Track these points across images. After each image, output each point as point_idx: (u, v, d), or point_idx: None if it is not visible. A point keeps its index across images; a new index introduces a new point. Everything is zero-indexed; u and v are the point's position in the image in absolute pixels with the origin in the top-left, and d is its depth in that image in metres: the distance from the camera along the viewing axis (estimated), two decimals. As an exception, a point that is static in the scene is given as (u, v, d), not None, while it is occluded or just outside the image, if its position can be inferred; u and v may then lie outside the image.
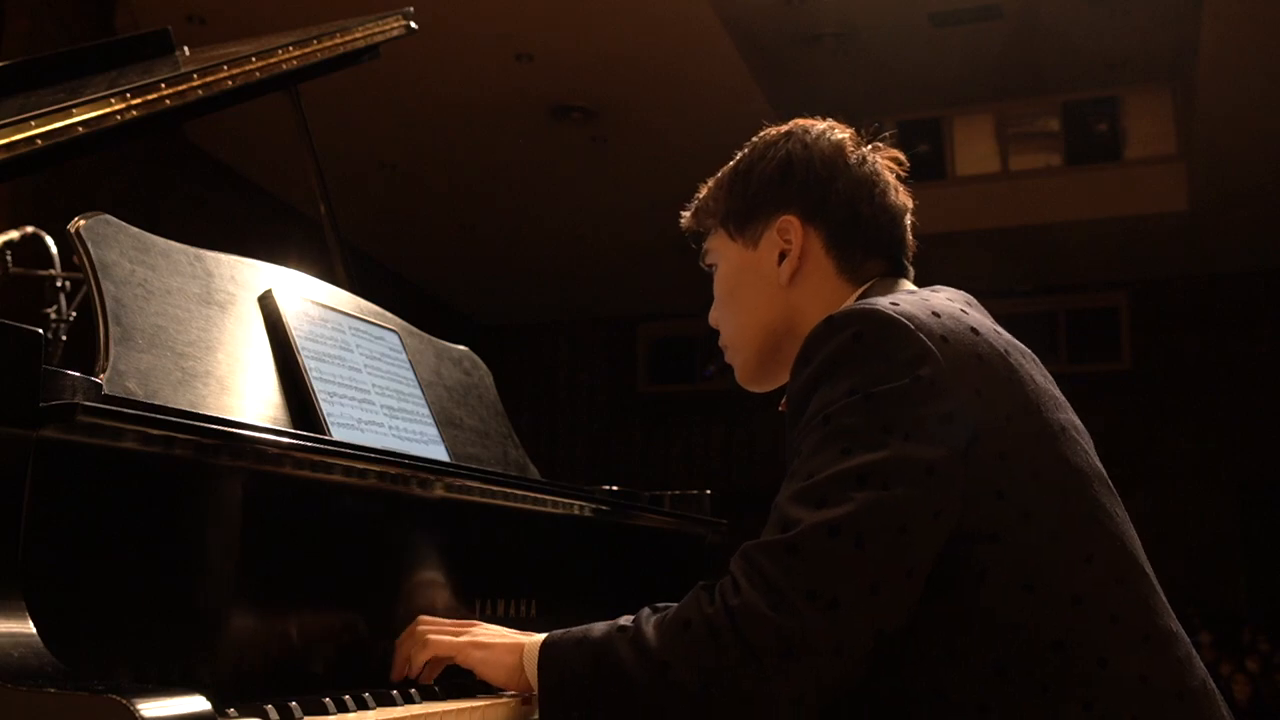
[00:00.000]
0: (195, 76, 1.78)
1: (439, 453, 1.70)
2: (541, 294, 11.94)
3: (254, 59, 1.93)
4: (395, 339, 1.78)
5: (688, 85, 8.05)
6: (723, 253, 1.49)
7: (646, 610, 1.21)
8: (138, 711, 0.79)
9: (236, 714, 1.02)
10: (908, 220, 1.45)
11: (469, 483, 1.49)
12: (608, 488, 2.04)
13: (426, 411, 1.74)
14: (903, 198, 1.45)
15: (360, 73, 2.45)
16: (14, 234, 2.37)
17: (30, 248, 2.40)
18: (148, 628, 1.04)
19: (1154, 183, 9.56)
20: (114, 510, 1.03)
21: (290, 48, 2.03)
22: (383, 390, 1.65)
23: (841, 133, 1.45)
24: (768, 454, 11.73)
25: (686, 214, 1.55)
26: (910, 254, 1.45)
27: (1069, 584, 1.16)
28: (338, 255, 2.15)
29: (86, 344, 1.32)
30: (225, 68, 1.85)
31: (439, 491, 1.43)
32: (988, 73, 8.94)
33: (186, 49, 2.30)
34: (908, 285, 1.39)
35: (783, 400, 1.34)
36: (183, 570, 1.09)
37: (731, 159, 1.52)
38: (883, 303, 1.23)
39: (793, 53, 8.27)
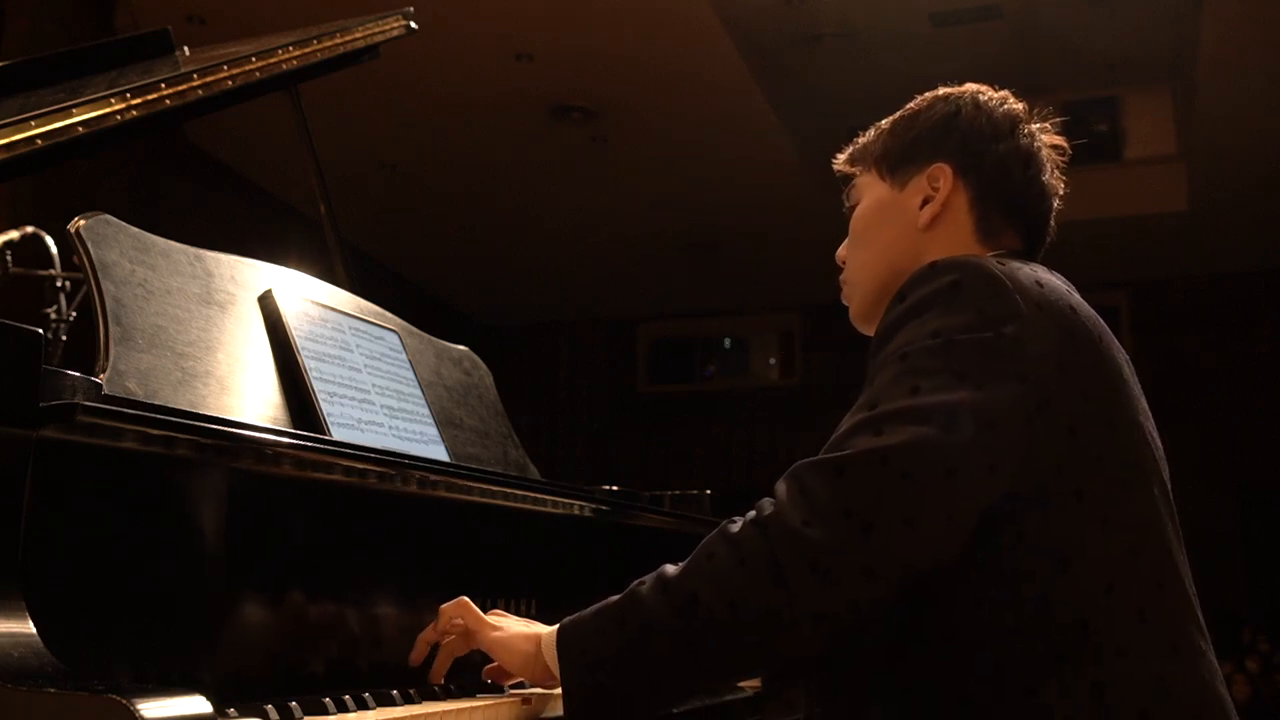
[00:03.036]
0: (195, 76, 1.78)
1: (439, 453, 1.70)
2: (541, 294, 11.93)
3: (254, 59, 1.93)
4: (395, 339, 1.78)
5: (688, 85, 8.04)
6: (868, 190, 1.48)
7: (665, 565, 1.21)
8: (138, 711, 0.79)
9: (236, 714, 1.02)
10: (1055, 204, 1.44)
11: (469, 483, 1.49)
12: (608, 488, 2.04)
13: (426, 411, 1.74)
14: (1055, 181, 1.44)
15: (360, 73, 2.45)
16: (14, 234, 2.37)
17: (30, 248, 2.40)
18: (148, 628, 1.04)
19: (1154, 183, 9.55)
20: (114, 510, 1.03)
21: (290, 48, 2.04)
22: (383, 390, 1.65)
23: (1016, 105, 1.45)
24: (768, 454, 11.73)
25: (841, 156, 1.55)
26: (1049, 239, 1.45)
27: (1105, 571, 1.16)
28: (338, 255, 2.15)
29: (86, 344, 1.32)
30: (225, 68, 1.85)
31: (439, 491, 1.43)
32: (987, 73, 8.90)
33: (186, 49, 2.30)
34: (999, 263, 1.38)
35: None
36: (183, 570, 1.09)
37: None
38: (989, 259, 1.25)
39: (793, 53, 8.26)
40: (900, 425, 1.13)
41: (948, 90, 1.48)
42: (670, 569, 1.19)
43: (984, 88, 1.47)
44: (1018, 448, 1.15)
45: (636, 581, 1.20)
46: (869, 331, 1.45)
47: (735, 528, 1.17)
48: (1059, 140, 1.45)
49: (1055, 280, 1.29)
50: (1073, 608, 1.15)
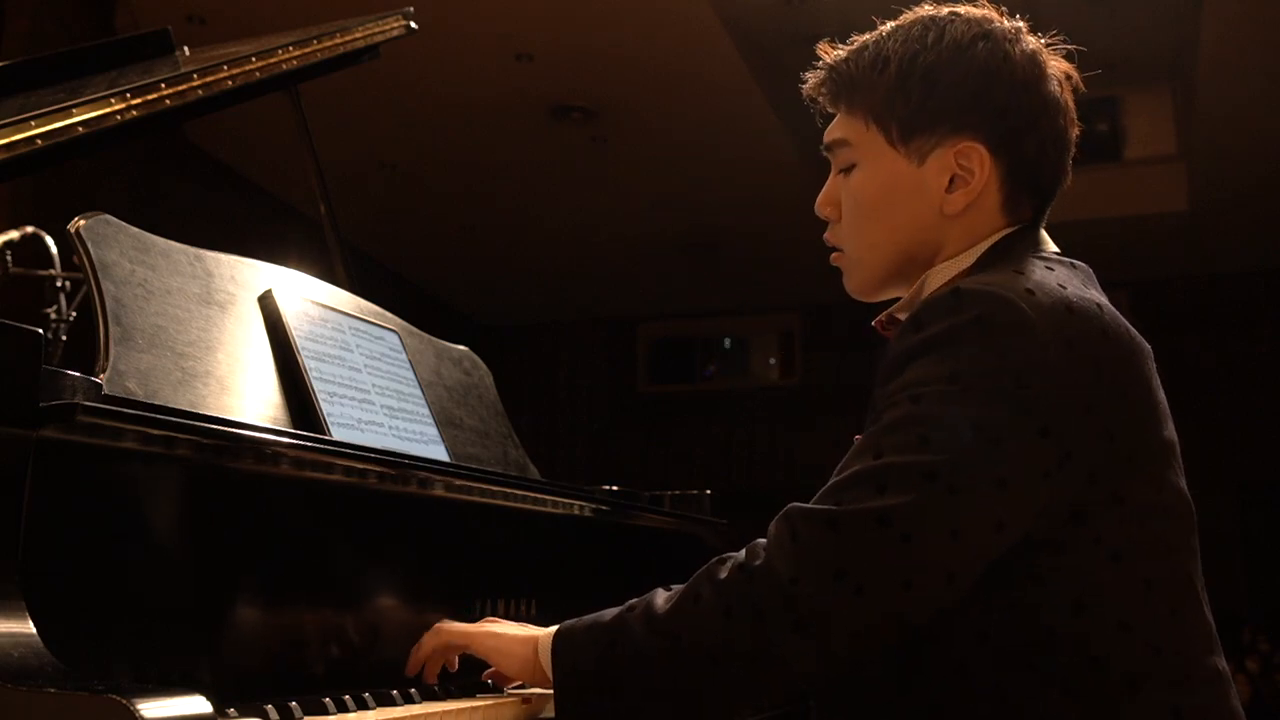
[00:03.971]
0: (195, 76, 1.78)
1: (439, 453, 1.70)
2: (541, 294, 11.93)
3: (254, 59, 1.93)
4: (395, 339, 1.78)
5: (688, 85, 8.04)
6: (871, 156, 1.29)
7: (658, 590, 1.19)
8: (138, 711, 0.79)
9: (236, 714, 1.02)
10: (1070, 158, 1.31)
11: (469, 483, 1.48)
12: (608, 488, 2.04)
13: (426, 411, 1.74)
14: (1075, 129, 1.30)
15: (360, 73, 2.45)
16: (14, 234, 2.38)
17: (30, 248, 2.40)
18: (148, 628, 1.04)
19: (1154, 183, 9.55)
20: (114, 510, 1.03)
21: (290, 48, 2.04)
22: (383, 390, 1.65)
23: (1033, 41, 1.28)
24: (768, 454, 11.73)
25: (816, 79, 1.35)
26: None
27: (1120, 609, 1.12)
28: (338, 255, 2.15)
29: (86, 344, 1.32)
30: (225, 68, 1.85)
31: (439, 491, 1.43)
32: (988, 73, 8.91)
33: (186, 49, 2.30)
34: (1050, 245, 1.30)
35: (877, 318, 1.31)
36: (183, 570, 1.09)
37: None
38: (1018, 288, 1.13)
39: (793, 53, 8.25)
40: (905, 483, 1.07)
41: (964, 30, 1.26)
42: (660, 600, 1.16)
43: (1003, 22, 1.28)
44: (1032, 505, 1.10)
45: (629, 605, 1.19)
46: (869, 300, 1.37)
47: (724, 573, 1.12)
48: (1066, 66, 1.31)
49: (1082, 293, 1.18)
50: (1085, 644, 1.11)
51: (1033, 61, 1.27)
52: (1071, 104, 1.30)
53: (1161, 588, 1.15)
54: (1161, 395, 1.23)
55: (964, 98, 1.25)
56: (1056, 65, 1.30)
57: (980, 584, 1.11)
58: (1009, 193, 1.27)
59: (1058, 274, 1.20)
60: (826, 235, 1.37)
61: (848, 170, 1.33)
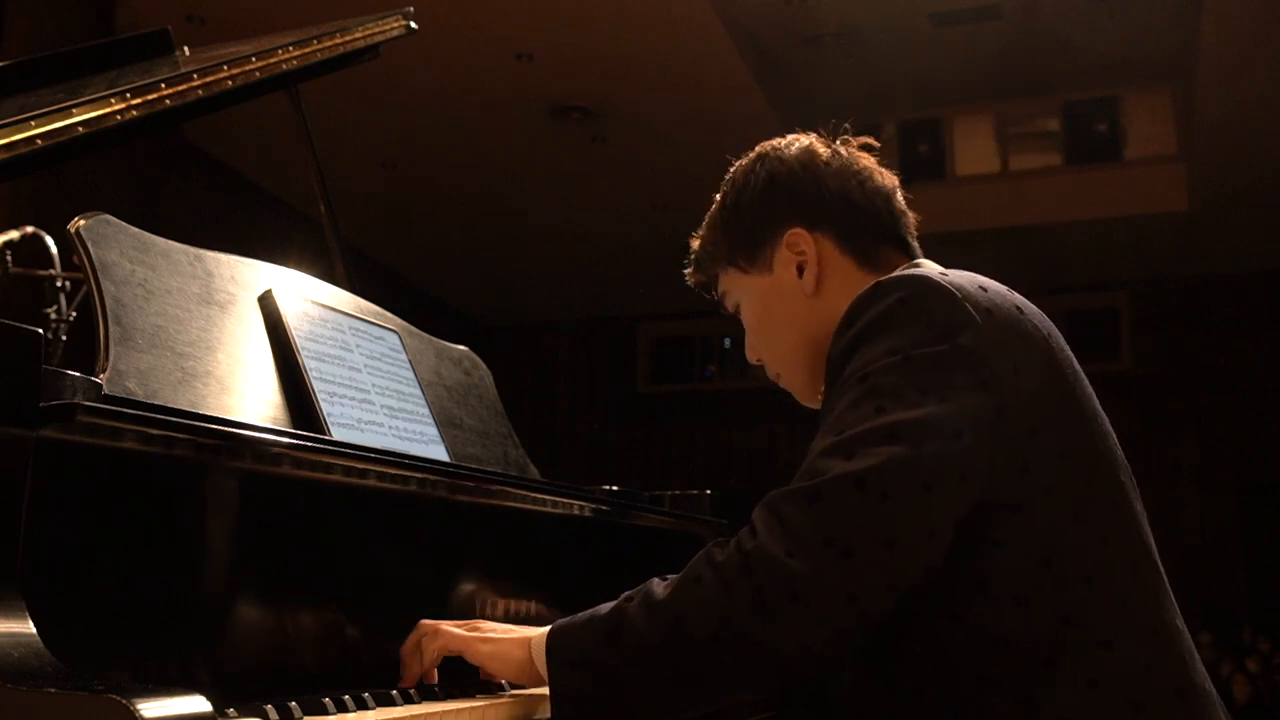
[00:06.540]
0: (195, 76, 1.78)
1: (439, 453, 1.70)
2: (541, 294, 11.93)
3: (254, 59, 1.93)
4: (395, 339, 1.78)
5: (688, 85, 8.05)
6: (741, 289, 1.50)
7: (654, 579, 1.21)
8: (138, 711, 0.79)
9: (236, 714, 1.02)
10: (899, 196, 1.47)
11: (469, 483, 1.49)
12: (608, 488, 2.04)
13: (426, 411, 1.74)
14: (886, 179, 1.46)
15: (360, 73, 2.45)
16: (14, 234, 2.38)
17: (30, 248, 2.40)
18: (148, 628, 1.04)
19: (1154, 183, 9.56)
20: (114, 510, 1.03)
21: (290, 48, 2.03)
22: (383, 390, 1.65)
23: (806, 138, 1.49)
24: (768, 454, 11.73)
25: (689, 271, 1.57)
26: (913, 230, 1.47)
27: (1083, 564, 1.17)
28: (338, 255, 2.15)
29: (86, 344, 1.32)
30: (225, 68, 1.85)
31: (439, 491, 1.43)
32: (988, 73, 8.94)
33: (186, 49, 2.30)
34: (934, 266, 1.39)
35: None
36: (183, 570, 1.09)
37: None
38: (932, 271, 1.26)
39: (793, 53, 8.27)
40: (871, 447, 1.13)
41: (745, 164, 1.50)
42: (658, 587, 1.18)
43: (772, 142, 1.50)
44: (984, 455, 1.16)
45: (625, 596, 1.20)
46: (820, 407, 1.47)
47: (720, 555, 1.16)
48: (862, 139, 1.49)
49: (994, 282, 1.30)
50: (1057, 605, 1.16)
51: (805, 150, 1.47)
52: (866, 163, 1.46)
53: (1120, 545, 1.21)
54: (1085, 379, 1.31)
55: (763, 204, 1.46)
56: (840, 146, 1.48)
57: (950, 560, 1.15)
58: (853, 249, 1.43)
59: (968, 272, 1.32)
60: (768, 374, 1.54)
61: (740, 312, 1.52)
